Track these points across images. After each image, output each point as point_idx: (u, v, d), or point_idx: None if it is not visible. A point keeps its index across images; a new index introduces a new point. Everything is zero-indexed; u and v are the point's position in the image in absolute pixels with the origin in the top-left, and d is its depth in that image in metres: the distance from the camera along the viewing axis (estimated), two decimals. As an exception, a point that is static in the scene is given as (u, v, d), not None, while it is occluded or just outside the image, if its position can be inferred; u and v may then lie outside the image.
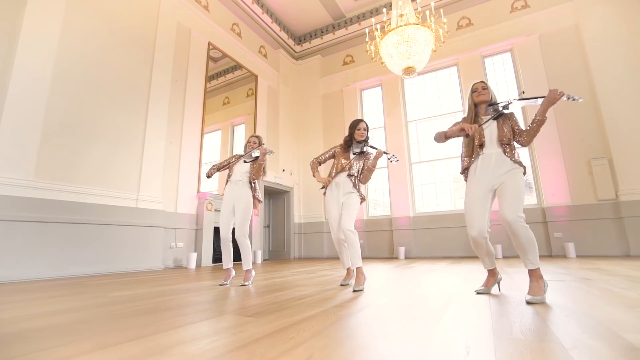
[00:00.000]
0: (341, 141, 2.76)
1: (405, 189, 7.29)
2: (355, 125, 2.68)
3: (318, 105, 8.84)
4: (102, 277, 3.73)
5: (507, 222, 1.75)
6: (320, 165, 2.77)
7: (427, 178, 7.36)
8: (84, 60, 4.41)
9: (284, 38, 8.84)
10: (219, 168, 3.02)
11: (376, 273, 3.58)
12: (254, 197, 2.91)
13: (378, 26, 5.67)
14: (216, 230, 5.94)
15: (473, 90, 2.08)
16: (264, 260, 7.61)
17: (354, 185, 2.59)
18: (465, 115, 2.12)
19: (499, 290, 2.06)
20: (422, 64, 5.33)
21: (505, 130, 1.94)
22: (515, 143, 1.96)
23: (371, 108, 8.33)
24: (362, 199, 2.60)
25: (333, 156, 2.78)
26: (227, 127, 7.33)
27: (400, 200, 7.28)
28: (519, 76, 6.59)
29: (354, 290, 2.23)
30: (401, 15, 5.01)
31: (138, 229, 4.67)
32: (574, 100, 1.74)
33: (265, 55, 8.32)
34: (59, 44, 4.15)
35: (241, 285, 2.68)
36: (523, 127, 1.97)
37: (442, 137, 2.15)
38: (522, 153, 5.72)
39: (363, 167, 2.65)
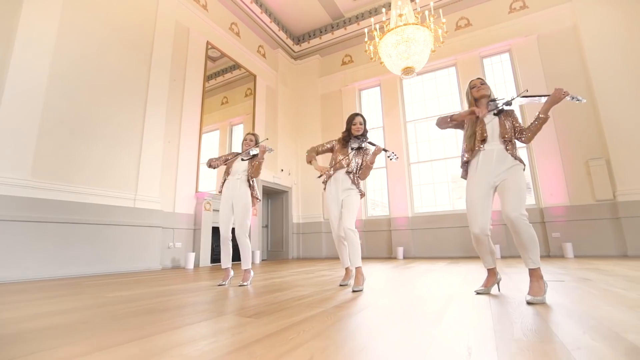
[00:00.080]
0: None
1: (403, 189, 7.29)
2: (351, 119, 2.66)
3: (317, 105, 8.83)
4: (99, 277, 3.70)
5: (510, 220, 1.75)
6: (317, 155, 2.74)
7: (426, 178, 7.36)
8: (82, 60, 4.38)
9: (282, 38, 8.83)
10: (224, 161, 2.99)
11: (375, 273, 3.57)
12: (252, 195, 2.89)
13: (377, 26, 5.67)
14: (214, 230, 5.92)
15: (472, 87, 2.09)
16: (262, 260, 7.59)
17: (353, 182, 2.56)
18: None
19: (499, 290, 2.06)
20: (421, 64, 5.33)
21: (507, 126, 1.94)
22: (515, 140, 1.96)
23: (370, 108, 8.33)
24: (362, 195, 2.58)
25: (331, 150, 2.74)
26: (226, 127, 7.30)
27: (399, 201, 7.28)
28: (517, 77, 6.60)
29: (354, 291, 2.22)
30: (400, 15, 5.01)
31: (136, 229, 4.65)
32: (578, 100, 1.76)
33: (263, 55, 8.30)
34: (56, 42, 4.11)
35: (240, 286, 2.66)
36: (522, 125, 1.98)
37: (446, 121, 2.10)
38: (520, 153, 5.74)
39: (362, 163, 2.62)
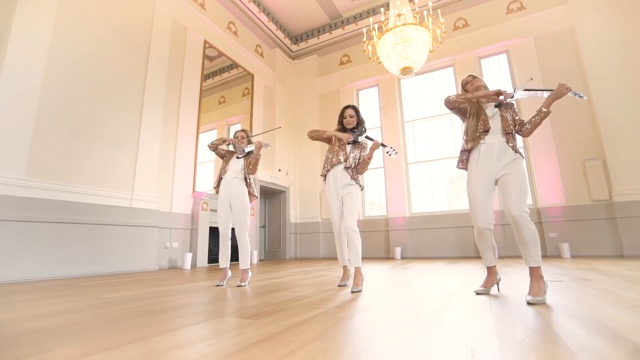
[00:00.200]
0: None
1: (401, 189, 7.29)
2: (342, 113, 2.62)
3: (315, 105, 8.81)
4: (95, 277, 3.66)
5: (513, 218, 1.75)
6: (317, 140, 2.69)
7: (424, 178, 7.37)
8: (77, 59, 4.33)
9: (280, 37, 8.80)
10: (216, 148, 3.00)
11: (373, 273, 3.56)
12: (249, 192, 2.88)
13: (375, 26, 5.66)
14: (212, 230, 5.89)
15: (465, 84, 2.12)
16: (259, 260, 7.56)
17: (352, 177, 2.52)
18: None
19: (498, 290, 2.05)
20: (419, 64, 5.34)
21: (509, 119, 1.94)
22: (515, 133, 1.95)
23: (368, 108, 8.32)
24: (362, 188, 2.56)
25: (330, 140, 2.67)
26: (223, 127, 7.27)
27: (397, 201, 7.28)
28: (514, 77, 6.63)
29: (353, 291, 2.20)
30: (399, 15, 5.01)
31: (132, 229, 4.61)
32: (580, 97, 1.78)
33: (261, 55, 8.27)
34: (52, 42, 4.06)
35: (237, 286, 2.64)
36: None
37: (460, 101, 2.01)
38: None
39: (359, 157, 2.59)
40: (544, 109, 1.85)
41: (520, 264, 4.08)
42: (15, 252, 3.44)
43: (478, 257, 6.13)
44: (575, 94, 1.80)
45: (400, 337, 1.12)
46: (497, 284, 2.05)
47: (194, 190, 5.85)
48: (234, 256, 2.94)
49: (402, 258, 6.69)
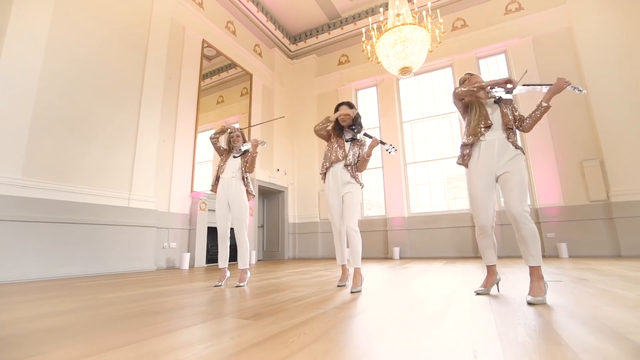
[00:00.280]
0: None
1: (400, 190, 7.29)
2: (336, 110, 2.58)
3: (313, 104, 8.80)
4: (92, 278, 3.63)
5: (513, 216, 1.75)
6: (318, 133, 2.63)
7: (422, 178, 7.37)
8: (75, 57, 4.30)
9: (279, 37, 8.79)
10: (215, 142, 3.00)
11: (372, 274, 3.55)
12: (247, 191, 2.87)
13: (375, 26, 5.66)
14: (210, 230, 5.87)
15: (463, 80, 2.12)
16: (257, 260, 7.54)
17: (352, 175, 2.49)
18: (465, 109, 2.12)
19: (498, 290, 2.05)
20: (418, 64, 5.34)
21: (509, 115, 1.93)
22: (516, 129, 1.95)
23: (366, 108, 8.32)
24: (362, 186, 2.53)
25: (329, 137, 2.64)
26: (221, 125, 7.23)
27: (395, 201, 7.28)
28: (512, 78, 6.64)
29: (352, 292, 2.19)
30: (398, 15, 5.00)
31: (130, 229, 4.58)
32: (579, 91, 1.79)
33: (260, 54, 8.26)
34: (48, 40, 4.02)
35: (236, 287, 2.63)
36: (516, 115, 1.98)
37: (472, 92, 1.95)
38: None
39: (359, 154, 2.56)
40: (544, 104, 1.86)
41: (518, 264, 4.09)
42: (11, 252, 3.40)
43: (476, 257, 6.14)
44: (575, 88, 1.82)
45: (401, 337, 1.12)
46: (497, 284, 2.04)
47: (192, 190, 5.83)
48: (232, 256, 2.92)
49: (401, 258, 6.69)
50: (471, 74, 2.13)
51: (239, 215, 2.80)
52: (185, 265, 5.14)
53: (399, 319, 1.40)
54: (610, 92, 5.64)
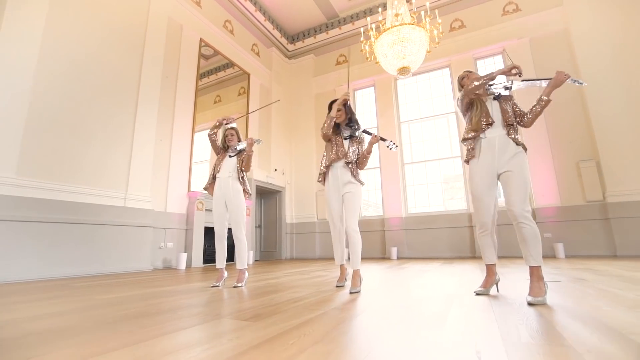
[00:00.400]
0: None
1: (397, 190, 7.29)
2: (329, 107, 2.53)
3: (311, 104, 8.79)
4: (88, 278, 3.59)
5: (514, 215, 1.75)
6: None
7: (420, 179, 7.38)
8: (70, 56, 4.25)
9: (277, 36, 8.76)
10: (214, 136, 3.01)
11: (371, 274, 3.54)
12: (244, 190, 2.85)
13: (373, 25, 5.65)
14: (207, 230, 5.83)
15: (462, 78, 2.11)
16: (255, 260, 7.51)
17: (352, 174, 2.46)
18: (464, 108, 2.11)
19: (497, 291, 2.04)
20: (416, 64, 5.34)
21: (509, 111, 1.93)
22: (517, 125, 1.94)
23: (364, 108, 8.32)
24: (362, 185, 2.50)
25: (329, 138, 2.58)
26: (221, 127, 7.19)
27: (393, 201, 7.28)
28: (510, 77, 6.66)
29: (351, 292, 2.18)
30: (397, 15, 5.00)
31: (126, 229, 4.54)
32: (579, 83, 1.79)
33: (257, 54, 8.23)
34: (43, 39, 3.97)
35: (234, 287, 2.61)
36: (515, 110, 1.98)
37: (482, 85, 1.91)
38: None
39: (358, 151, 2.52)
40: (545, 98, 1.85)
41: (516, 264, 4.10)
42: (6, 252, 3.35)
43: (473, 257, 6.15)
44: (575, 81, 1.81)
45: (403, 338, 1.10)
46: (497, 285, 2.04)
47: (189, 190, 5.79)
48: (230, 256, 2.90)
49: (398, 258, 6.69)
50: (469, 71, 2.14)
51: (236, 215, 2.79)
52: (182, 266, 5.10)
53: (399, 319, 1.39)
54: (606, 94, 5.68)
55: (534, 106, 1.90)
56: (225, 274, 2.80)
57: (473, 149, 1.97)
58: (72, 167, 4.10)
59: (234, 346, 1.04)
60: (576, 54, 6.01)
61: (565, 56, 6.21)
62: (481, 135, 1.94)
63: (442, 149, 7.26)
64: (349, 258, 2.50)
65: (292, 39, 9.20)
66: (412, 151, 7.56)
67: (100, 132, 4.47)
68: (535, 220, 5.82)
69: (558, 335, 1.08)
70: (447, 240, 6.61)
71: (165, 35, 5.66)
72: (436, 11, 5.69)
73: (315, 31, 8.86)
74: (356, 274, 2.32)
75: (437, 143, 7.35)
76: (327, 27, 8.72)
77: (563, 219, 5.78)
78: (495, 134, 1.91)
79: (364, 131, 2.57)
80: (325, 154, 2.60)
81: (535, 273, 1.71)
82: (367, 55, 5.67)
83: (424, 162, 7.38)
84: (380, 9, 5.74)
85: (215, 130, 3.02)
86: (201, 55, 6.53)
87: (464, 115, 2.09)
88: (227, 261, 3.02)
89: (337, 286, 2.51)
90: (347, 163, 2.46)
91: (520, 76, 1.89)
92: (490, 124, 1.91)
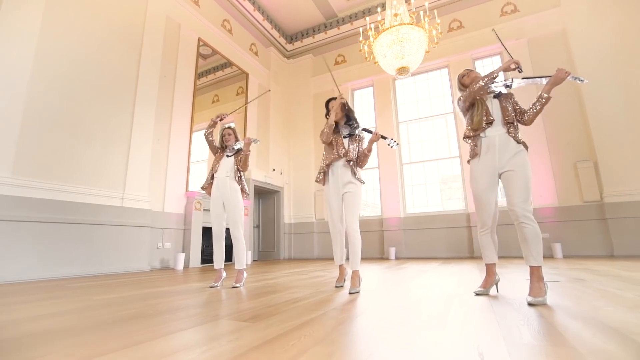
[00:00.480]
0: None
1: (396, 190, 7.29)
2: (326, 106, 2.52)
3: (309, 104, 8.77)
4: (84, 279, 3.56)
5: (515, 215, 1.75)
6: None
7: (418, 179, 7.39)
8: (67, 55, 4.22)
9: (275, 36, 8.74)
10: (209, 136, 3.00)
11: (369, 274, 3.53)
12: (241, 190, 2.84)
13: (372, 25, 5.65)
14: (205, 230, 5.80)
15: (462, 76, 2.11)
16: (253, 260, 7.49)
17: (353, 173, 2.43)
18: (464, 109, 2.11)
19: (497, 291, 2.04)
20: (415, 65, 5.34)
21: (509, 109, 1.92)
22: (517, 123, 1.94)
23: (363, 108, 8.32)
24: (363, 183, 2.49)
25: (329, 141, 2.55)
26: (217, 126, 7.16)
27: (391, 201, 7.28)
28: (508, 77, 6.68)
29: (351, 292, 2.17)
30: (396, 15, 5.00)
31: (123, 229, 4.50)
32: (580, 80, 1.77)
33: (256, 53, 8.20)
34: (39, 38, 3.92)
35: (232, 287, 2.59)
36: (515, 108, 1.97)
37: (486, 88, 1.90)
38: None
39: (358, 150, 2.50)
40: (545, 95, 1.84)
41: (514, 265, 4.10)
42: (3, 252, 3.31)
43: (471, 257, 6.16)
44: (575, 78, 1.79)
45: (404, 339, 1.09)
46: (496, 285, 2.03)
47: (187, 190, 5.76)
48: (228, 256, 2.88)
49: (397, 258, 6.69)
50: (470, 70, 2.14)
51: (234, 215, 2.77)
52: (180, 266, 5.07)
53: (400, 320, 1.38)
54: (603, 94, 5.70)
55: (534, 104, 1.89)
56: (224, 274, 2.79)
57: (476, 145, 1.97)
58: (69, 167, 4.07)
59: (234, 348, 1.02)
60: (574, 54, 6.04)
61: (563, 57, 6.23)
62: (481, 135, 1.94)
63: (440, 149, 7.27)
64: (347, 258, 2.49)
65: (291, 38, 9.19)
66: (410, 151, 7.56)
67: (98, 131, 4.44)
68: (533, 220, 5.91)
69: (560, 336, 1.08)
70: (445, 240, 6.61)
71: (163, 35, 5.62)
72: (435, 11, 5.70)
73: (314, 31, 8.85)
74: (355, 274, 2.31)
75: (435, 143, 7.36)
76: (325, 27, 8.71)
77: (560, 219, 5.80)
78: (496, 133, 1.91)
79: (364, 129, 2.55)
80: (325, 153, 2.58)
81: (535, 273, 1.71)
82: (366, 55, 5.66)
83: (422, 162, 7.38)
84: (379, 9, 5.74)
85: (211, 130, 3.00)
86: (199, 55, 6.49)
87: (465, 114, 2.08)
88: (225, 261, 3.00)
89: (336, 286, 2.50)
90: (348, 161, 2.44)
91: (520, 72, 1.89)
92: (490, 123, 1.90)
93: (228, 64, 7.29)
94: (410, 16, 5.30)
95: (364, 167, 2.55)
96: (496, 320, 1.31)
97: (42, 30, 3.97)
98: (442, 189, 7.19)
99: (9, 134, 3.55)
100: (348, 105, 2.58)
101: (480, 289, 1.97)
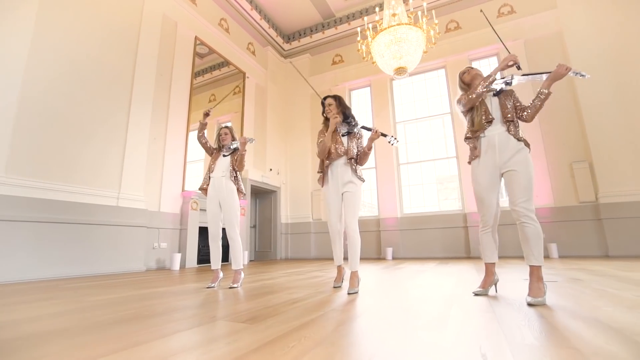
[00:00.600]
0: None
1: (393, 190, 7.30)
2: (322, 104, 2.49)
3: (306, 104, 8.75)
4: (80, 279, 3.51)
5: (517, 215, 1.75)
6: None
7: (415, 179, 7.39)
8: (61, 53, 4.16)
9: (272, 36, 8.71)
10: (203, 138, 2.97)
11: (367, 274, 3.52)
12: (238, 190, 2.81)
13: (370, 25, 5.64)
14: (201, 230, 5.76)
15: (462, 73, 2.10)
16: (250, 260, 7.45)
17: (354, 172, 2.41)
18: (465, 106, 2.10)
19: (496, 291, 2.04)
20: (413, 65, 5.34)
21: (509, 106, 1.91)
22: (518, 120, 1.93)
23: (360, 108, 8.31)
24: (363, 182, 2.46)
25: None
26: (213, 125, 7.12)
27: (388, 201, 7.28)
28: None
29: (349, 293, 2.15)
30: (394, 15, 5.00)
31: (119, 229, 4.45)
32: (581, 75, 1.74)
33: (253, 53, 8.17)
34: (34, 36, 3.86)
35: (230, 288, 2.56)
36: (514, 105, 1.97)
37: (483, 93, 1.89)
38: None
39: (358, 148, 2.48)
40: (545, 91, 1.82)
41: (512, 265, 4.11)
42: (-7, 253, 3.26)
43: (468, 257, 6.18)
44: (577, 73, 1.76)
45: (405, 340, 1.08)
46: (495, 285, 2.03)
47: (183, 190, 5.71)
48: (224, 257, 2.86)
49: (394, 258, 6.69)
50: (470, 67, 2.12)
51: (230, 215, 2.75)
52: (176, 266, 5.03)
53: (400, 321, 1.37)
54: (599, 96, 5.74)
55: (534, 100, 1.88)
56: (221, 274, 2.77)
57: (475, 148, 1.96)
58: (64, 167, 4.02)
59: (232, 350, 1.00)
60: (570, 55, 6.07)
61: (559, 57, 6.26)
62: (481, 134, 1.93)
63: (437, 149, 7.28)
64: (345, 258, 2.48)
65: (288, 38, 9.16)
66: (407, 152, 7.57)
67: (93, 130, 4.38)
68: (529, 220, 5.94)
69: (562, 336, 1.07)
70: (442, 240, 6.62)
71: (160, 33, 5.57)
72: (433, 12, 5.71)
73: (312, 31, 8.84)
74: (354, 275, 2.30)
75: (432, 143, 7.37)
76: (323, 26, 8.69)
77: (556, 220, 5.83)
78: (495, 132, 1.90)
79: (363, 127, 2.53)
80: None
81: (535, 273, 1.71)
82: (364, 55, 5.66)
83: (419, 162, 7.39)
84: (377, 9, 5.74)
85: (202, 132, 2.96)
86: (196, 54, 6.45)
87: (465, 115, 2.07)
88: (222, 261, 2.97)
89: (334, 287, 2.48)
90: (349, 159, 2.41)
91: (519, 69, 1.89)
92: (490, 122, 1.90)
93: (225, 63, 7.25)
94: (408, 16, 5.30)
95: (363, 165, 2.53)
96: (497, 321, 1.30)
97: (37, 29, 3.92)
98: (439, 189, 7.21)
99: (2, 133, 3.49)
100: (344, 102, 2.56)
101: (479, 289, 1.97)
